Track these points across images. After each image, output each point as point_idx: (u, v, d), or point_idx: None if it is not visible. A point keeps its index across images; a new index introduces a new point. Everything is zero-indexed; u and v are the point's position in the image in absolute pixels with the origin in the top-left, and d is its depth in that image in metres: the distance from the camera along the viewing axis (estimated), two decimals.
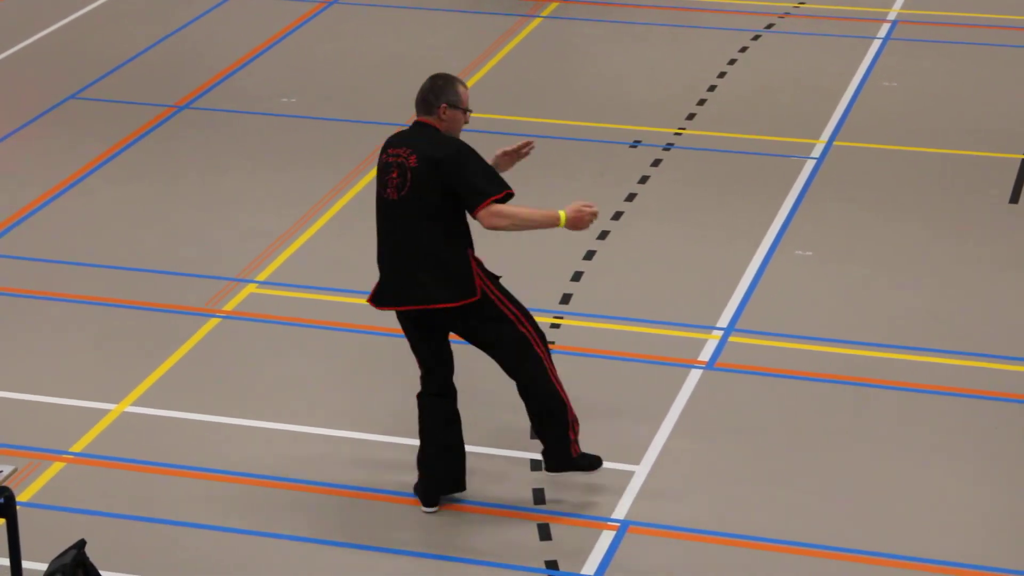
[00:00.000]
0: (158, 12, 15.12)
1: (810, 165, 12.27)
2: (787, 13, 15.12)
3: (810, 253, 11.04)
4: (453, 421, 8.39)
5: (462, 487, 8.46)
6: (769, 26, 14.85)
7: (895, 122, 12.98)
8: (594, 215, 8.08)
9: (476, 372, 9.75)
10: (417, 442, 8.60)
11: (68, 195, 11.85)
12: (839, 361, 9.81)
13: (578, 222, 8.07)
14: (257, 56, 14.20)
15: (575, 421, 8.41)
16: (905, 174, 12.19)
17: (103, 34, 14.69)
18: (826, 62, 14.08)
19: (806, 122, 12.96)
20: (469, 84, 13.75)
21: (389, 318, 8.61)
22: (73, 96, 13.42)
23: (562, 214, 8.05)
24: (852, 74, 13.78)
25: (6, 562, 7.55)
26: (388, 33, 14.73)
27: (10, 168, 12.33)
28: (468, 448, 8.70)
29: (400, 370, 9.48)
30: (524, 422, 9.25)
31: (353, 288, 10.42)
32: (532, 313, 8.33)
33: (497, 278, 8.24)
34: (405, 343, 8.44)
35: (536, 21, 14.93)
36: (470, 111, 8.10)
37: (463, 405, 9.07)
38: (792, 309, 10.37)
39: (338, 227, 11.25)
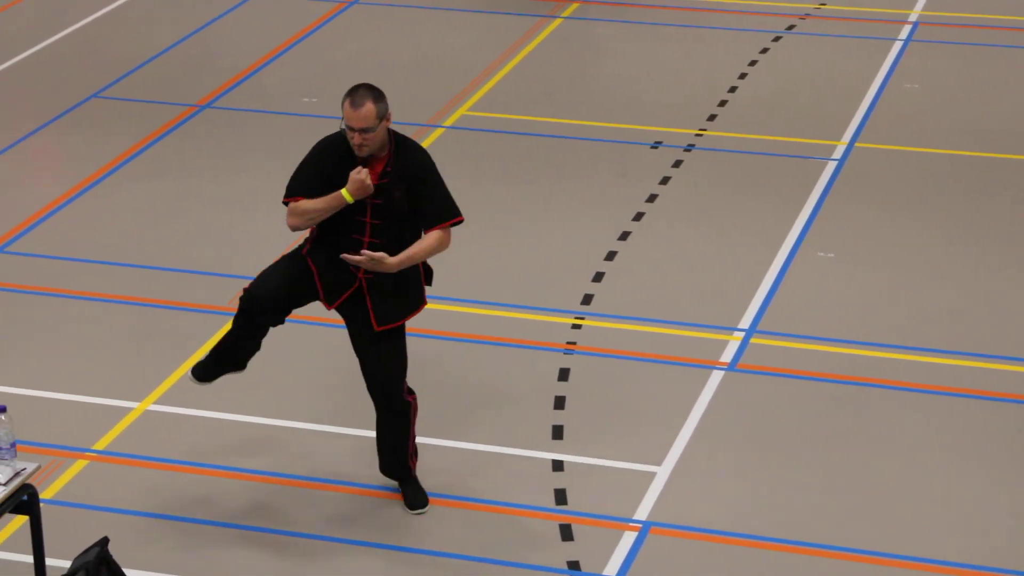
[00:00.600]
0: (180, 11, 15.15)
1: (831, 167, 12.26)
2: (808, 14, 15.11)
3: (832, 255, 11.02)
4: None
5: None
6: (790, 27, 14.84)
7: (916, 124, 12.96)
8: (363, 177, 7.96)
9: (496, 372, 9.76)
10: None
11: (90, 193, 11.88)
12: (861, 363, 9.80)
13: (358, 191, 7.99)
14: (278, 56, 14.22)
15: None
16: (927, 176, 12.18)
17: (125, 33, 14.71)
18: (847, 63, 14.06)
19: (827, 123, 12.94)
20: (490, 84, 13.82)
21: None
22: (95, 95, 13.45)
23: (344, 192, 7.99)
24: (873, 76, 13.77)
25: (30, 559, 7.58)
26: (409, 33, 14.75)
27: (33, 166, 12.36)
28: (490, 448, 8.72)
29: (425, 372, 9.50)
30: (545, 422, 9.25)
31: None
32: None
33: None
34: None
35: (556, 22, 14.94)
36: (344, 127, 8.00)
37: (482, 405, 9.10)
38: (814, 311, 10.36)
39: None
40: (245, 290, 8.25)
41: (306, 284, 8.22)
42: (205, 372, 8.55)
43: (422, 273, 8.32)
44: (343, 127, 8.00)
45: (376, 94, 7.98)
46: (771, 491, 8.70)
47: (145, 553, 8.16)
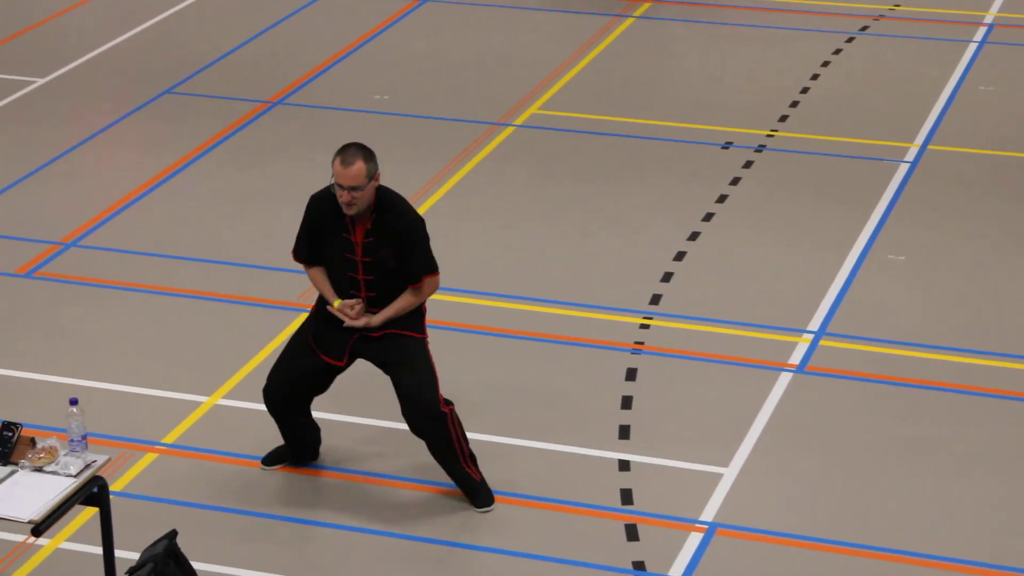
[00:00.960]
0: (253, 8, 15.23)
1: (904, 169, 12.18)
2: (882, 16, 15.02)
3: (903, 257, 10.95)
4: None
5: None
6: (864, 28, 14.75)
7: (991, 126, 12.85)
8: (344, 313, 8.31)
9: (564, 371, 9.76)
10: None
11: (162, 188, 11.96)
12: (930, 367, 9.73)
13: (339, 313, 8.33)
14: (351, 53, 14.27)
15: None
16: (1000, 179, 12.08)
17: (199, 29, 14.81)
18: (921, 65, 13.96)
19: (900, 125, 12.86)
20: (561, 83, 13.80)
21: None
22: (169, 91, 13.54)
23: (336, 302, 8.34)
24: (947, 78, 13.66)
25: (99, 551, 7.64)
26: (481, 31, 14.76)
27: (107, 161, 12.46)
28: (557, 447, 8.73)
29: (493, 370, 9.51)
30: (612, 421, 9.24)
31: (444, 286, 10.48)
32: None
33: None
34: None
35: (628, 21, 14.91)
36: (333, 183, 8.15)
37: (549, 404, 9.10)
38: (884, 313, 10.30)
39: (431, 224, 11.25)
40: (263, 388, 8.61)
41: (312, 363, 8.45)
42: (271, 456, 8.87)
43: (423, 316, 8.47)
44: (332, 184, 8.11)
45: (367, 153, 8.14)
46: (838, 494, 8.66)
47: (212, 546, 8.21)
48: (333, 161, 8.13)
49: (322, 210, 8.34)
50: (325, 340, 8.41)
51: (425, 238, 8.33)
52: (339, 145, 8.27)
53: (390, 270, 8.28)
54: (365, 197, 8.14)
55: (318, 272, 8.44)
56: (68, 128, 12.90)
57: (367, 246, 8.24)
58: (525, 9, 15.20)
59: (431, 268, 8.34)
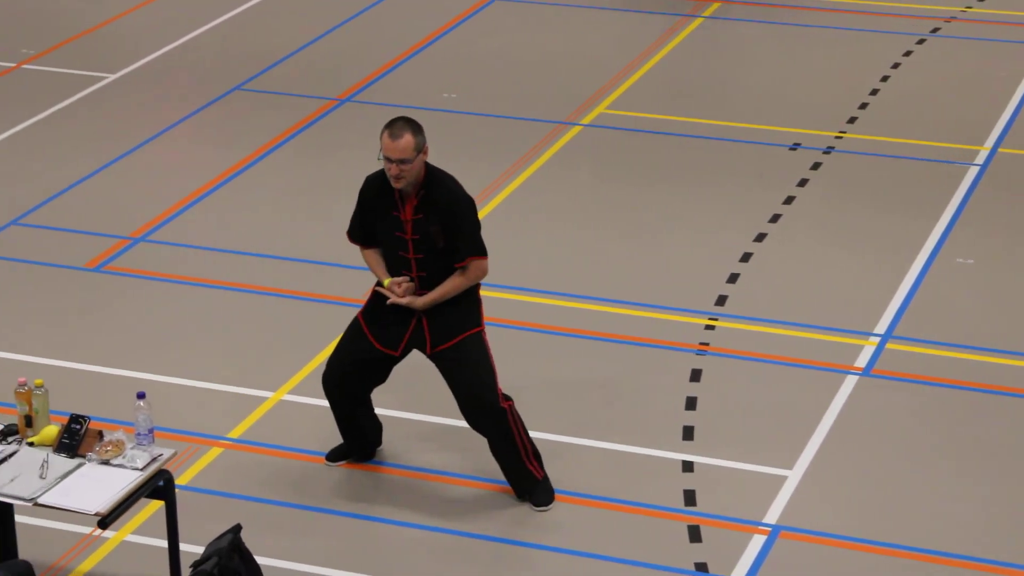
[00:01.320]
0: (323, 6, 15.29)
1: (974, 171, 12.09)
2: (953, 17, 14.91)
3: (971, 261, 10.88)
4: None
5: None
6: (935, 30, 14.65)
7: None
8: (391, 291, 8.32)
9: (628, 371, 9.75)
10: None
11: (230, 184, 12.03)
12: (998, 371, 9.67)
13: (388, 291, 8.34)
14: (420, 51, 14.31)
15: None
16: None
17: (270, 27, 14.88)
18: (992, 68, 13.86)
19: (970, 128, 12.77)
20: (629, 83, 13.79)
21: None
22: (238, 87, 13.62)
23: (387, 280, 8.38)
24: (1019, 80, 13.55)
25: (164, 544, 7.70)
26: (549, 30, 14.77)
27: (176, 157, 12.55)
28: (621, 447, 8.72)
29: (558, 369, 9.51)
30: (676, 422, 9.23)
31: (502, 284, 10.49)
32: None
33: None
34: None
35: (697, 21, 14.88)
36: (381, 157, 8.14)
37: (613, 403, 9.08)
38: (951, 317, 10.23)
39: (497, 223, 11.30)
40: (322, 376, 8.65)
41: (366, 349, 8.45)
42: (334, 453, 8.92)
43: (479, 302, 8.44)
44: (380, 158, 8.10)
45: (415, 127, 8.15)
46: (903, 499, 8.61)
47: (276, 540, 8.25)
48: (381, 135, 8.13)
49: (374, 189, 8.35)
50: (379, 328, 8.41)
51: (474, 218, 8.28)
52: None
53: (439, 250, 8.24)
54: (413, 170, 8.13)
55: (372, 254, 8.47)
56: (139, 124, 13.00)
57: (416, 223, 8.22)
58: (594, 8, 15.19)
59: (478, 251, 8.29)
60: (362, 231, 8.47)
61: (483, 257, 8.31)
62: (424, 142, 8.14)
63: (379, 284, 8.42)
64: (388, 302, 8.30)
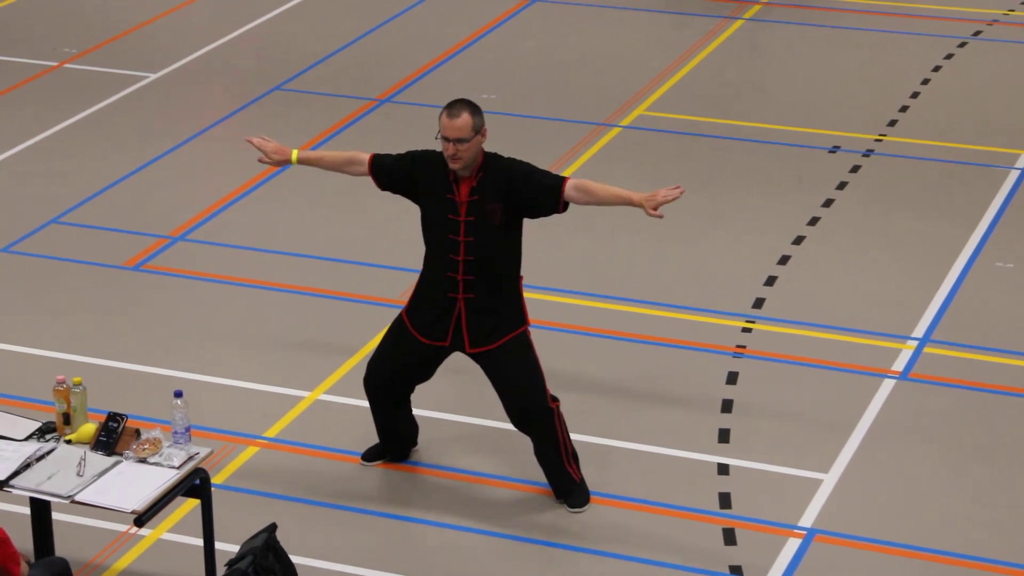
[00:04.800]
0: (362, 7, 15.32)
1: (1014, 175, 12.03)
2: (995, 20, 14.84)
3: (1011, 265, 10.83)
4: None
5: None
6: (976, 33, 14.59)
7: None
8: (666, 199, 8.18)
9: (664, 373, 9.74)
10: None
11: (269, 184, 12.06)
12: None
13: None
14: (459, 52, 14.32)
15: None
16: None
17: (309, 27, 14.92)
18: None
19: (1012, 132, 12.71)
20: (668, 84, 13.77)
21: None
22: (278, 87, 13.66)
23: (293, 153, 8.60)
24: None
25: (200, 542, 7.72)
26: (589, 32, 14.76)
27: (215, 156, 12.59)
28: (656, 449, 8.71)
29: (595, 371, 9.51)
30: (712, 424, 9.21)
31: (538, 285, 10.49)
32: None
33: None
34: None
35: (737, 23, 14.85)
36: (439, 136, 8.13)
37: (650, 405, 9.05)
38: (990, 321, 10.18)
39: (535, 224, 11.28)
40: (364, 377, 8.63)
41: (412, 345, 8.43)
42: (370, 452, 8.93)
43: (521, 297, 8.41)
44: (438, 137, 8.11)
45: (473, 107, 8.14)
46: (940, 503, 8.57)
47: (311, 540, 8.27)
48: (440, 115, 8.11)
49: (428, 165, 8.29)
50: (424, 324, 8.39)
51: (534, 167, 8.21)
52: None
53: (493, 230, 8.18)
54: (471, 151, 8.10)
55: (355, 165, 8.47)
56: (178, 123, 13.06)
57: (472, 204, 8.18)
58: (634, 10, 15.18)
59: (559, 178, 8.18)
60: (390, 170, 8.37)
61: (567, 179, 8.19)
62: (483, 124, 8.12)
63: (425, 287, 8.37)
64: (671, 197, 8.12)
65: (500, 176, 8.19)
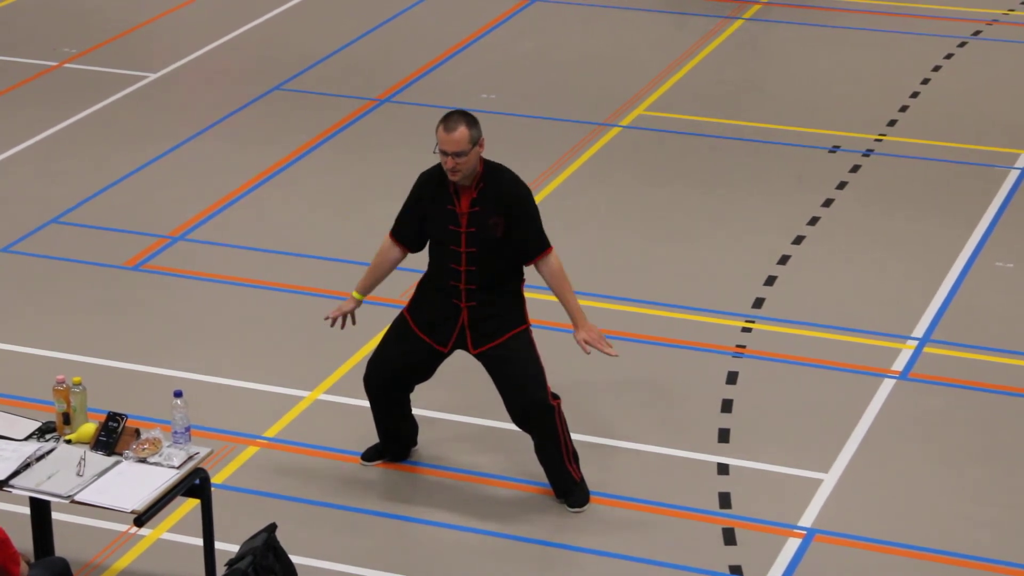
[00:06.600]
0: (362, 7, 15.32)
1: (1014, 175, 12.04)
2: (995, 20, 14.85)
3: (1011, 265, 10.83)
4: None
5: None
6: (976, 33, 14.59)
7: None
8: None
9: (664, 373, 9.74)
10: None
11: (269, 184, 12.07)
12: None
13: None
14: (458, 52, 14.32)
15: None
16: None
17: (309, 27, 14.92)
18: None
19: (1012, 131, 12.71)
20: (668, 85, 13.77)
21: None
22: (277, 87, 13.66)
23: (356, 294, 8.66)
24: None
25: (200, 542, 7.72)
26: (588, 32, 14.76)
27: (215, 156, 12.59)
28: (656, 449, 8.69)
29: (594, 371, 9.52)
30: (712, 424, 9.21)
31: (538, 284, 10.49)
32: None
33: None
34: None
35: (737, 23, 14.85)
36: (437, 150, 8.16)
37: (649, 405, 9.04)
38: (990, 321, 10.19)
39: None
40: (364, 376, 8.63)
41: (415, 345, 8.45)
42: (370, 452, 8.93)
43: (523, 299, 8.45)
44: (436, 151, 8.11)
45: (470, 120, 8.16)
46: (940, 503, 8.58)
47: (311, 540, 8.28)
48: (437, 129, 8.14)
49: (430, 185, 8.33)
50: (428, 324, 8.41)
51: (535, 210, 8.29)
52: None
53: (494, 242, 8.22)
54: (469, 163, 8.14)
55: (389, 256, 8.49)
56: (179, 123, 13.06)
57: (472, 216, 8.21)
58: (633, 10, 15.18)
59: (545, 243, 8.29)
60: (409, 227, 8.43)
61: (551, 248, 8.31)
62: (479, 135, 8.15)
63: (428, 286, 8.41)
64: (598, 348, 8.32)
65: (503, 192, 8.24)
